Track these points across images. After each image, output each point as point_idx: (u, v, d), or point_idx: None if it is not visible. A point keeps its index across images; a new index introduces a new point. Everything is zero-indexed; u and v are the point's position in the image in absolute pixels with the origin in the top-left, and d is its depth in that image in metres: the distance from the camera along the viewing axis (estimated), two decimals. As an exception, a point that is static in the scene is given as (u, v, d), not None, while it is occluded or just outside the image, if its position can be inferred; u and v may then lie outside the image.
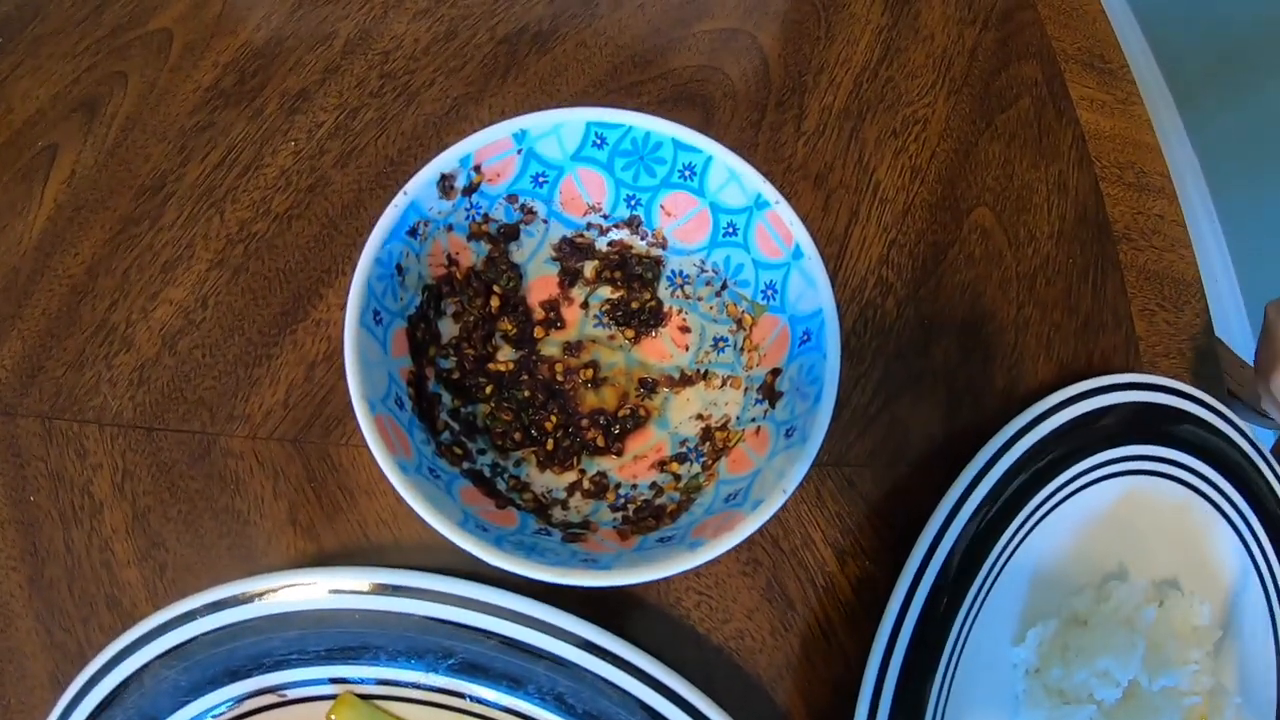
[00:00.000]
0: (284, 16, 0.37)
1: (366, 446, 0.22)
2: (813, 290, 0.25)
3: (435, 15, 0.38)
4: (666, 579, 0.25)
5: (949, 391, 0.33)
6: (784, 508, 0.26)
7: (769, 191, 0.26)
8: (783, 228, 0.26)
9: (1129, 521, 0.33)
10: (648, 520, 0.24)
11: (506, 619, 0.24)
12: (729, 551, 0.22)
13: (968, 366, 0.34)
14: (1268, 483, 0.35)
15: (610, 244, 0.30)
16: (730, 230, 0.28)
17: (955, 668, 0.29)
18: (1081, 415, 0.32)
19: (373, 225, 0.25)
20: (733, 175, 0.27)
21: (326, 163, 0.34)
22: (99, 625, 0.27)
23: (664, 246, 0.30)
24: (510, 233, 0.29)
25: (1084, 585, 0.32)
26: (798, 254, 0.25)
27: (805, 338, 0.25)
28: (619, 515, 0.25)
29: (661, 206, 0.29)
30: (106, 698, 0.24)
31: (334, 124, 0.35)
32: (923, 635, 0.28)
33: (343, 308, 0.24)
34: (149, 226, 0.32)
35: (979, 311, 0.35)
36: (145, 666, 0.24)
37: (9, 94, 0.35)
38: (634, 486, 0.26)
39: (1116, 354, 0.36)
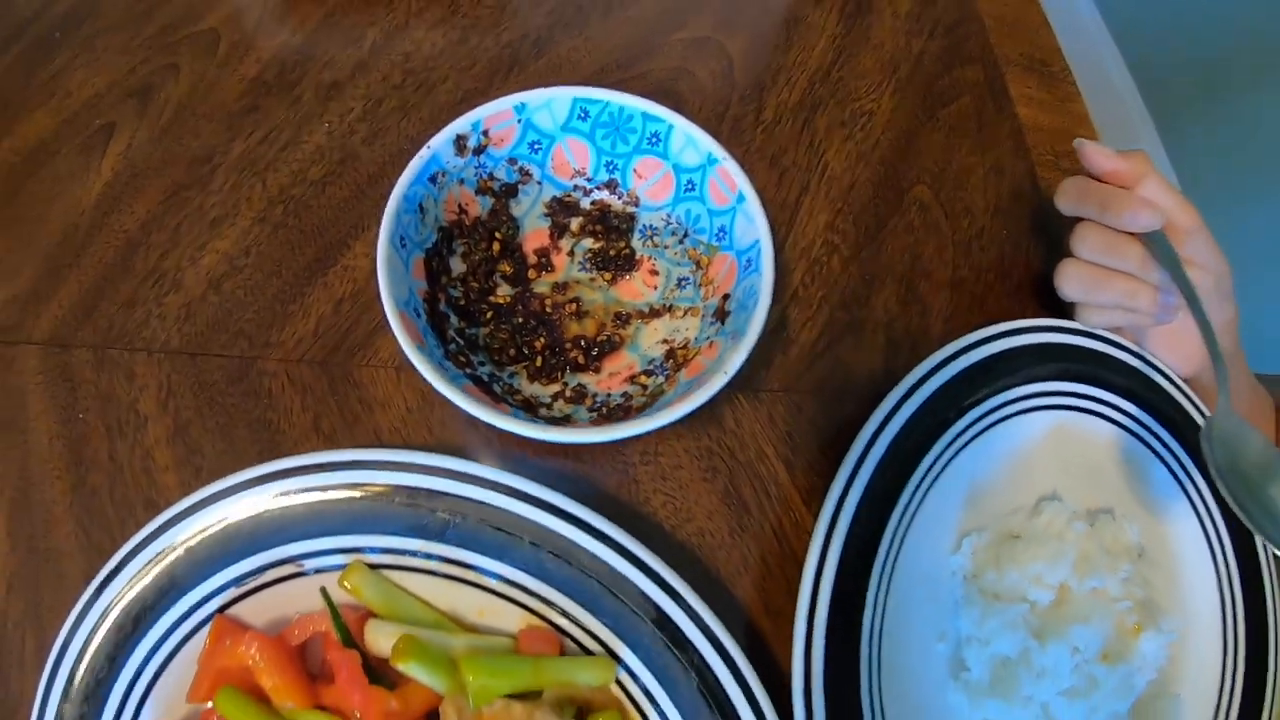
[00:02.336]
0: (319, 21, 0.43)
1: (383, 367, 0.27)
2: (753, 225, 0.30)
3: (450, 24, 0.44)
4: (630, 438, 0.28)
5: (888, 338, 0.38)
6: (739, 424, 0.31)
7: (718, 150, 0.31)
8: (729, 179, 0.31)
9: (1060, 452, 0.37)
10: (617, 414, 0.29)
11: (499, 492, 0.28)
12: (682, 419, 0.27)
13: (905, 318, 0.39)
14: (1194, 421, 0.39)
15: (592, 203, 0.35)
16: (689, 186, 0.33)
17: (892, 571, 0.33)
18: (1013, 349, 0.36)
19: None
20: (689, 140, 0.32)
21: (355, 141, 0.40)
22: (135, 524, 0.30)
23: (636, 204, 0.35)
24: (510, 190, 0.35)
25: (1018, 507, 0.36)
26: (740, 199, 0.31)
27: (748, 264, 0.30)
28: (594, 414, 0.30)
29: (634, 170, 0.34)
30: (139, 573, 0.28)
31: (362, 110, 0.41)
32: (857, 537, 0.32)
33: (369, 256, 0.29)
34: (199, 190, 0.38)
35: (917, 271, 0.40)
36: (175, 544, 0.28)
37: (67, 82, 0.40)
38: (608, 395, 0.31)
39: (1047, 313, 0.41)
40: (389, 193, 0.30)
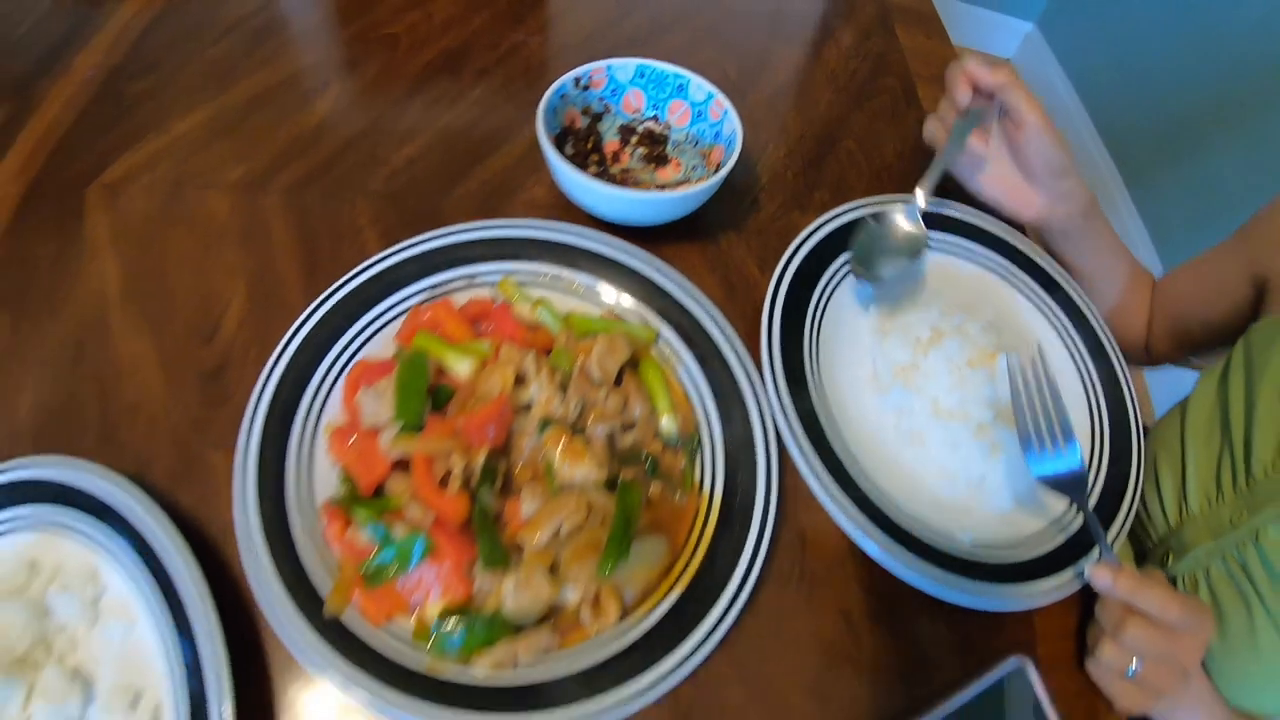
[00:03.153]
0: (476, 23, 0.73)
1: (532, 206, 0.51)
2: (733, 124, 0.56)
3: (563, 22, 0.74)
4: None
5: (820, 209, 0.62)
6: (732, 247, 0.55)
7: (714, 90, 0.58)
8: (720, 104, 0.57)
9: (943, 281, 0.59)
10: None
11: (598, 243, 0.53)
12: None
13: (834, 204, 0.63)
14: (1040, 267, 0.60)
15: (644, 128, 0.62)
16: (699, 114, 0.60)
17: (820, 321, 0.54)
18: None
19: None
20: (699, 87, 0.59)
21: (520, 82, 0.68)
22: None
23: (669, 129, 0.62)
24: (598, 116, 0.62)
25: (913, 300, 0.57)
26: (725, 115, 0.57)
27: (728, 144, 0.56)
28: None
29: (669, 109, 0.61)
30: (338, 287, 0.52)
31: (503, 75, 0.69)
32: (793, 302, 0.54)
33: (531, 133, 0.55)
34: (393, 120, 0.66)
35: (843, 185, 0.65)
36: (389, 265, 0.53)
37: (278, 58, 0.71)
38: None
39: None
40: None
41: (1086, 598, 0.47)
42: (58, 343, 0.52)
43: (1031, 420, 0.45)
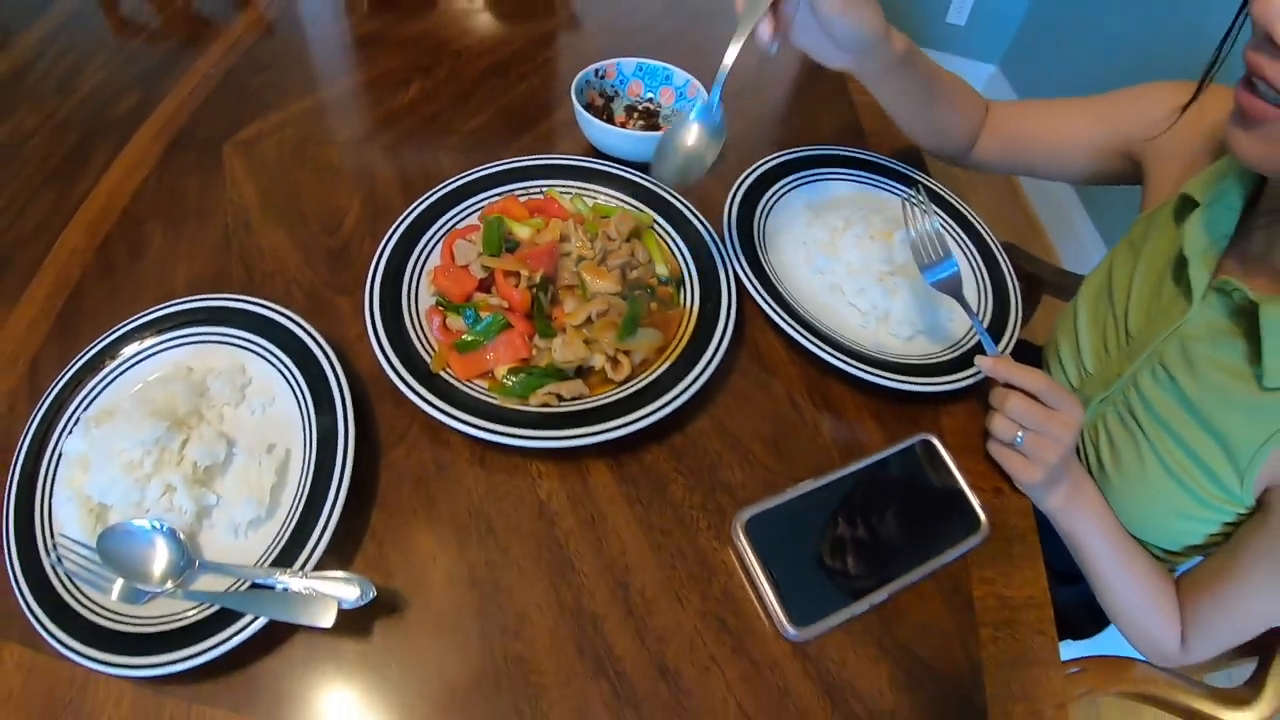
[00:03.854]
0: (521, 39, 1.00)
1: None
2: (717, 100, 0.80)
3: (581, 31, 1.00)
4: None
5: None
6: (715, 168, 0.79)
7: (690, 77, 0.83)
8: (695, 87, 0.82)
9: (855, 197, 0.82)
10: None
11: (614, 168, 0.75)
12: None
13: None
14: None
15: (643, 107, 0.87)
16: (680, 94, 0.85)
17: (765, 221, 0.76)
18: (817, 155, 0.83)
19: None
20: (680, 75, 0.84)
21: (553, 81, 0.93)
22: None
23: (660, 106, 0.86)
24: (610, 99, 0.86)
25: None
26: (699, 94, 0.82)
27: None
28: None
29: (661, 92, 0.86)
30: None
31: (542, 75, 0.95)
32: (744, 210, 0.76)
33: (563, 114, 0.79)
34: (461, 108, 0.91)
35: (785, 146, 0.90)
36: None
37: (367, 60, 0.96)
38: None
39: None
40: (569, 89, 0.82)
41: (985, 403, 0.60)
42: (207, 238, 0.73)
43: (921, 244, 0.65)
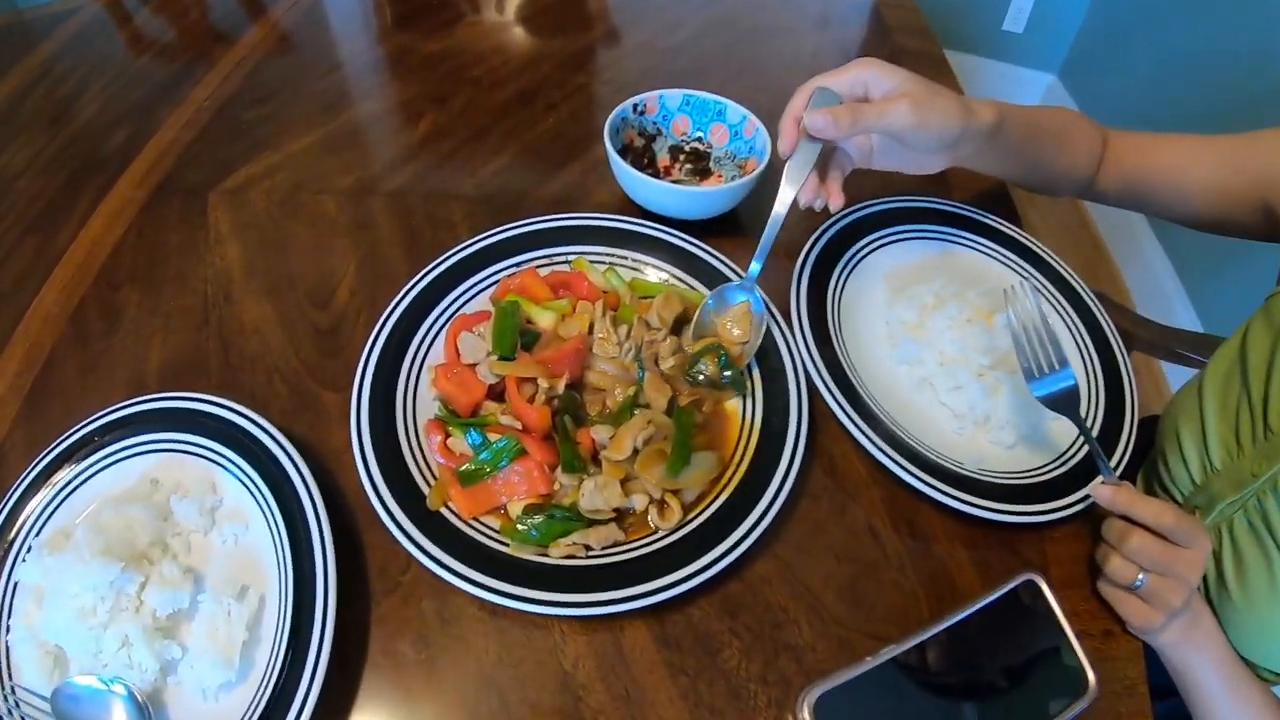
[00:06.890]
0: (549, 63, 0.88)
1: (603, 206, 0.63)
2: (763, 139, 0.68)
3: (617, 56, 0.88)
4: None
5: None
6: (755, 231, 0.66)
7: (748, 113, 0.70)
8: (753, 124, 0.70)
9: (943, 262, 0.68)
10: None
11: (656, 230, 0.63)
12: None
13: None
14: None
15: (690, 147, 0.75)
16: (736, 134, 0.72)
17: (840, 294, 0.63)
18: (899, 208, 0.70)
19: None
20: (735, 110, 0.71)
21: (584, 114, 0.81)
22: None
23: (711, 147, 0.74)
24: (651, 139, 0.74)
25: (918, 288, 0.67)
26: (757, 133, 0.69)
27: (760, 156, 0.67)
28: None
29: (711, 130, 0.74)
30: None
31: (574, 102, 0.83)
32: (816, 278, 0.63)
33: (596, 152, 0.67)
34: (479, 142, 0.79)
35: (859, 192, 0.76)
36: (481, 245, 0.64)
37: (386, 87, 0.85)
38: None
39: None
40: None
41: (1096, 531, 0.51)
42: (184, 309, 0.64)
43: (1029, 349, 0.52)
